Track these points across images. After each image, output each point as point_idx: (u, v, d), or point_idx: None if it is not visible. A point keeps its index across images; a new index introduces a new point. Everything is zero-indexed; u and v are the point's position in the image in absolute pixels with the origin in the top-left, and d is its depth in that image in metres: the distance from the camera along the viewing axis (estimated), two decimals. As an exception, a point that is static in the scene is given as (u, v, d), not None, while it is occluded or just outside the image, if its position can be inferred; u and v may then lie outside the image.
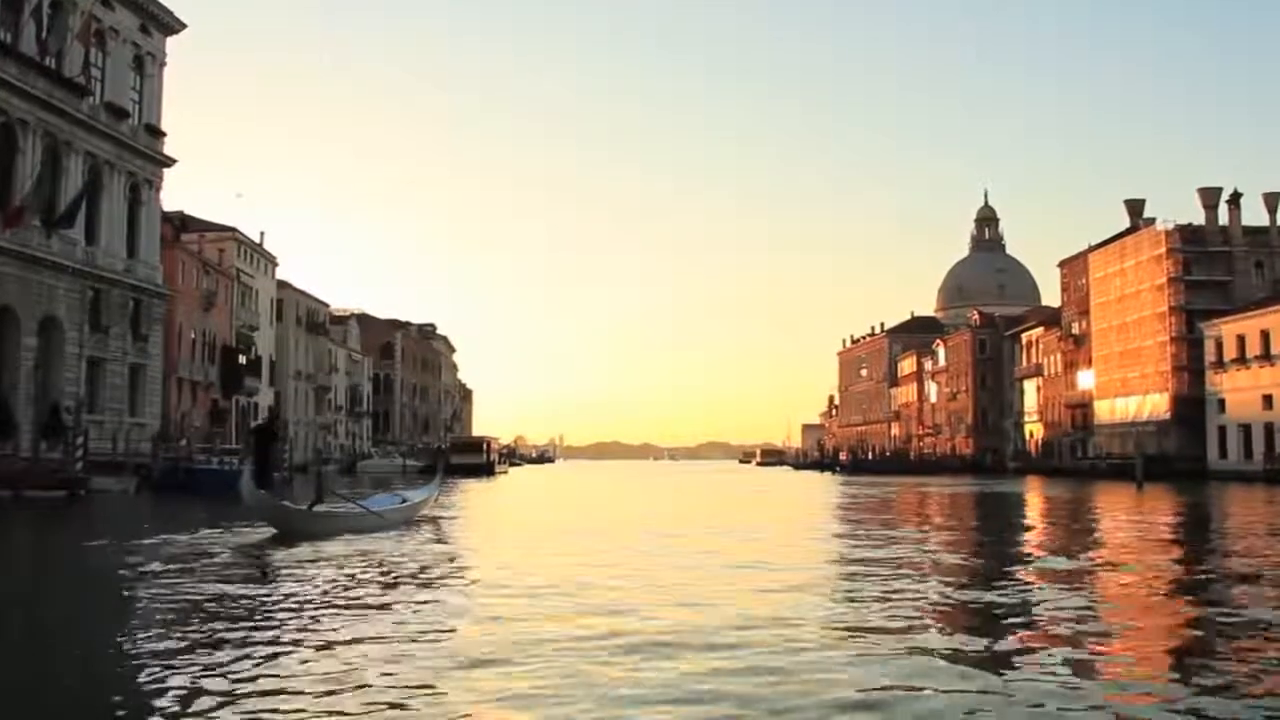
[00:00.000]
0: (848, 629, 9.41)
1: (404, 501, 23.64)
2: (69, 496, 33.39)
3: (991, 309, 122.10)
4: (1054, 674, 7.60)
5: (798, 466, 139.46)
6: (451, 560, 15.95)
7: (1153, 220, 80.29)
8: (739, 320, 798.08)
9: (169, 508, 30.39)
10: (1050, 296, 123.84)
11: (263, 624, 9.73)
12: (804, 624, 9.59)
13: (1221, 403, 70.19)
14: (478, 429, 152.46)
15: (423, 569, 14.37)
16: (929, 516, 27.66)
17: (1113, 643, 9.08)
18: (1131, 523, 26.13)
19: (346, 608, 10.81)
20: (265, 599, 11.35)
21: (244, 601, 11.14)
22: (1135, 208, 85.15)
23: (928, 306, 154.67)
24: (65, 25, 44.05)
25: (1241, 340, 68.19)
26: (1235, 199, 76.48)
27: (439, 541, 19.13)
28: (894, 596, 11.49)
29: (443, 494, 31.75)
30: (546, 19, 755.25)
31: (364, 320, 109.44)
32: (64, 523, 26.62)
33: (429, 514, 24.88)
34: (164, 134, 51.84)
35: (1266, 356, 65.98)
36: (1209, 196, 77.50)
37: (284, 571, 14.01)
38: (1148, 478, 53.55)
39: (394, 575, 13.59)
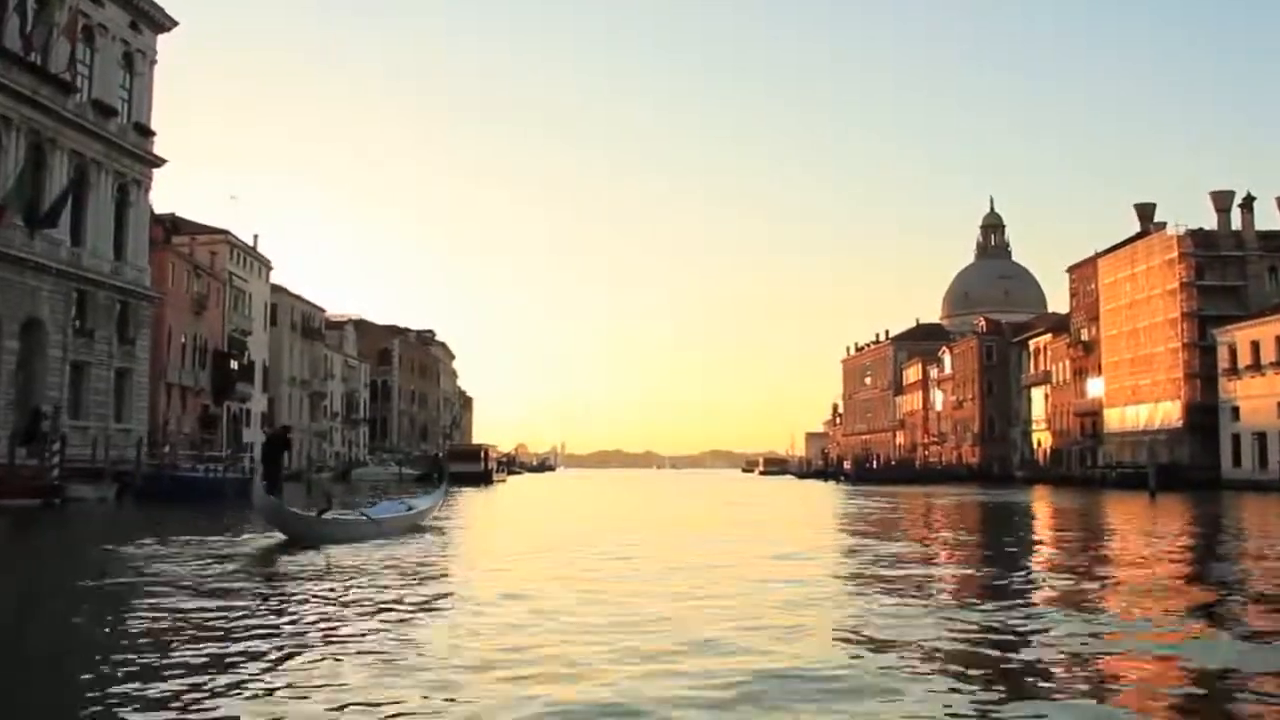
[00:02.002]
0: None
1: (409, 509, 23.67)
2: (43, 505, 32.44)
3: (997, 316, 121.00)
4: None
5: (801, 475, 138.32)
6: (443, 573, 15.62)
7: (1163, 225, 79.16)
8: (742, 328, 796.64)
9: (146, 517, 29.28)
10: (1056, 304, 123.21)
11: (241, 640, 9.30)
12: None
13: (1235, 410, 68.70)
14: (478, 437, 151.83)
15: (419, 578, 14.33)
16: (943, 537, 25.94)
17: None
18: (1150, 541, 24.22)
19: (341, 617, 10.73)
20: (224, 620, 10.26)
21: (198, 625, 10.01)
22: (1145, 212, 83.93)
23: (933, 314, 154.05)
24: (51, 20, 43.40)
25: (1256, 346, 66.67)
26: (1248, 202, 74.96)
27: (439, 550, 19.00)
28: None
29: (446, 503, 31.19)
30: (546, 20, 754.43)
31: (361, 326, 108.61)
32: (28, 533, 25.46)
33: (433, 522, 24.93)
34: (154, 133, 51.00)
35: (1283, 363, 64.61)
36: (1221, 200, 76.05)
37: (290, 578, 14.08)
38: (1159, 487, 52.42)
39: (390, 585, 13.48)
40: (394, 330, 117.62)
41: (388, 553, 17.33)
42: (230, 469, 44.98)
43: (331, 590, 12.64)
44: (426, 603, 11.81)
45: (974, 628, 10.12)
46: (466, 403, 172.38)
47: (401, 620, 10.39)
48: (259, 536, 19.44)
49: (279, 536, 18.94)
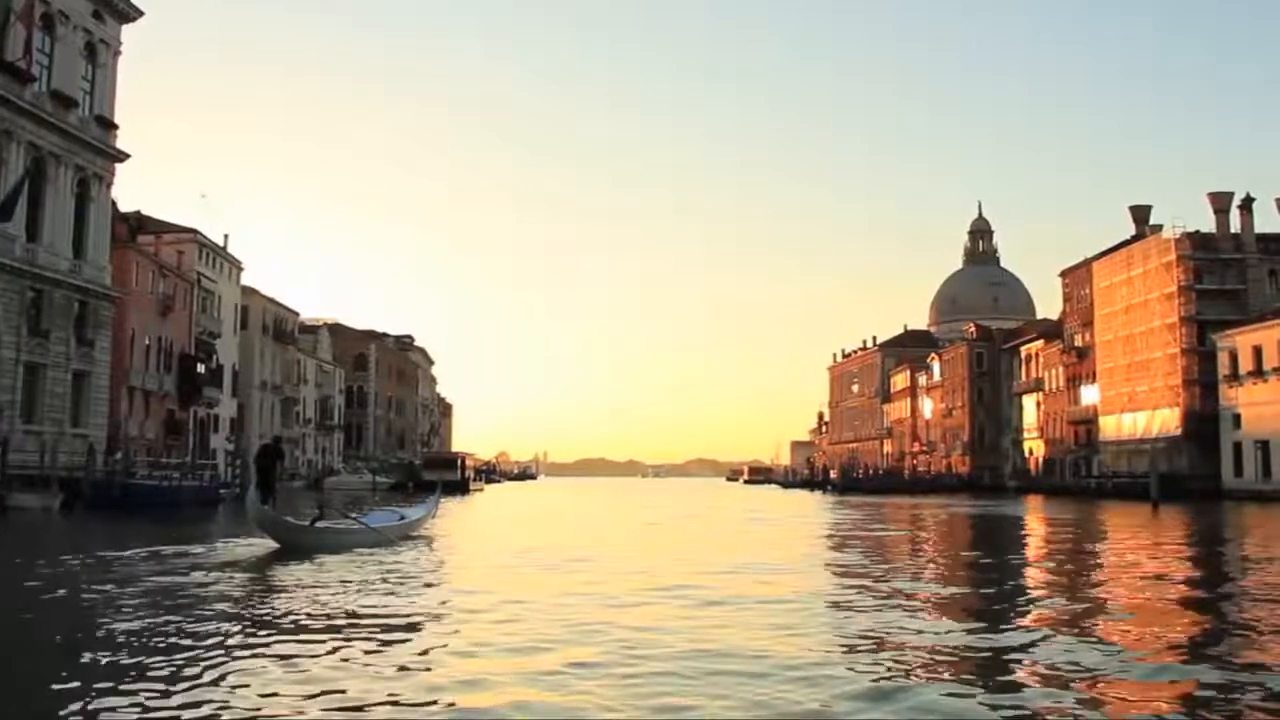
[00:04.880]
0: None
1: (402, 519, 24.37)
2: (-20, 514, 30.59)
3: (985, 323, 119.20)
4: None
5: (787, 485, 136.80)
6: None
7: (1159, 227, 77.51)
8: (728, 335, 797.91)
9: (81, 529, 28.04)
10: (1045, 311, 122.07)
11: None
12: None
13: (1237, 418, 66.90)
14: (458, 444, 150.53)
15: (410, 586, 14.77)
16: (948, 561, 23.34)
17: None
18: (1162, 558, 21.98)
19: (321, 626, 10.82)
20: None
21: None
22: (1140, 214, 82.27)
23: (920, 320, 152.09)
24: (6, 5, 42.32)
25: (1258, 352, 64.90)
26: (1247, 204, 73.43)
27: (429, 559, 19.42)
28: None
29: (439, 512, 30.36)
30: (527, 21, 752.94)
31: (337, 330, 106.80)
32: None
33: (425, 532, 25.22)
34: (116, 126, 49.68)
35: (1286, 368, 62.90)
36: (1220, 201, 74.42)
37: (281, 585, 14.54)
38: (1159, 498, 51.22)
39: (381, 591, 13.98)
40: (371, 335, 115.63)
41: (376, 561, 17.69)
42: (188, 477, 42.78)
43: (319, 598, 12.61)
44: (407, 617, 11.67)
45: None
46: (446, 410, 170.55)
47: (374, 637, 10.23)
48: (167, 560, 17.65)
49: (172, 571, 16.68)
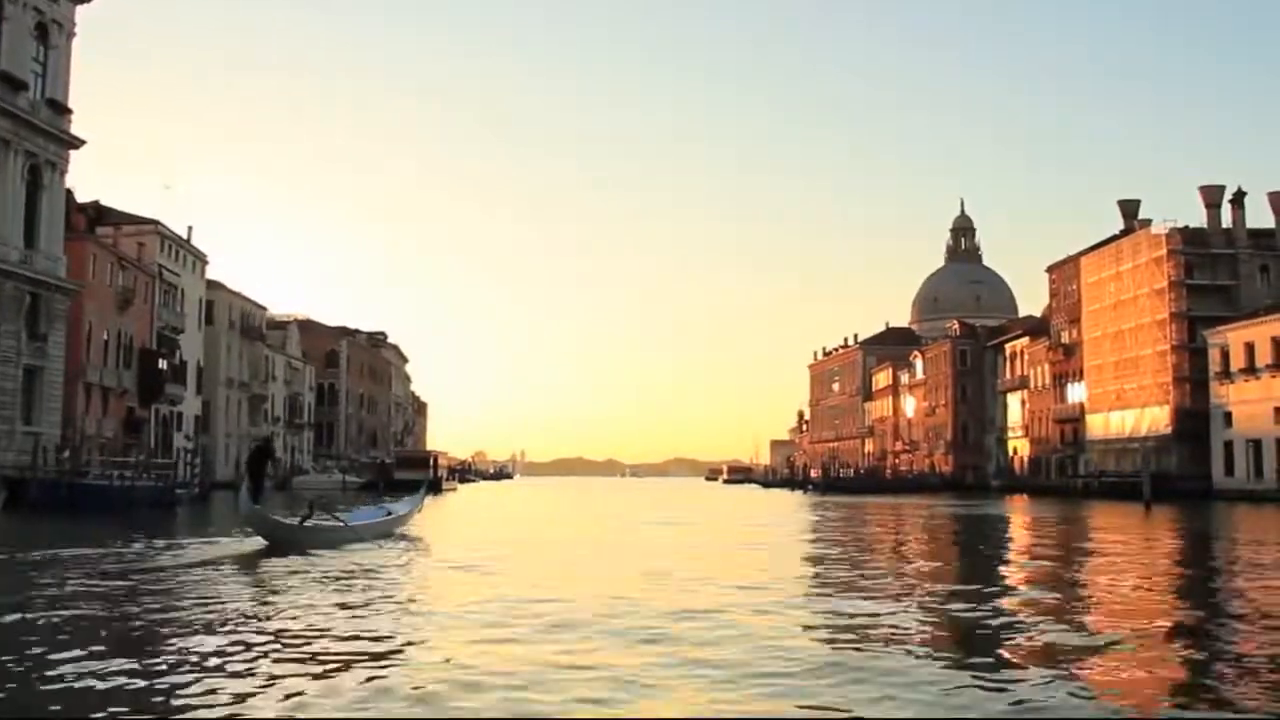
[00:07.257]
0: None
1: (388, 515, 25.28)
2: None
3: (968, 321, 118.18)
4: None
5: (767, 484, 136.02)
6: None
7: (1148, 223, 76.25)
8: (708, 333, 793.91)
9: (22, 529, 26.89)
10: (1027, 309, 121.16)
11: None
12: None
13: (1228, 416, 65.83)
14: (434, 444, 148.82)
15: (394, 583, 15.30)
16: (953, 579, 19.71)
17: None
18: (1173, 570, 19.93)
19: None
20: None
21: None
22: (1129, 209, 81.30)
23: (902, 319, 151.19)
24: None
25: (1250, 348, 63.76)
26: (1239, 198, 72.44)
27: (416, 555, 20.32)
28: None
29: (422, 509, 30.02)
30: (506, 17, 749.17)
31: (307, 326, 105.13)
32: None
33: (411, 529, 25.73)
34: (70, 111, 48.05)
35: (1279, 366, 61.72)
36: (1211, 195, 73.48)
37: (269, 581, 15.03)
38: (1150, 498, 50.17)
39: (367, 590, 14.17)
40: (343, 331, 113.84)
41: (360, 559, 18.23)
42: (143, 476, 40.82)
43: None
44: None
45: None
46: (420, 408, 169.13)
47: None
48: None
49: None
